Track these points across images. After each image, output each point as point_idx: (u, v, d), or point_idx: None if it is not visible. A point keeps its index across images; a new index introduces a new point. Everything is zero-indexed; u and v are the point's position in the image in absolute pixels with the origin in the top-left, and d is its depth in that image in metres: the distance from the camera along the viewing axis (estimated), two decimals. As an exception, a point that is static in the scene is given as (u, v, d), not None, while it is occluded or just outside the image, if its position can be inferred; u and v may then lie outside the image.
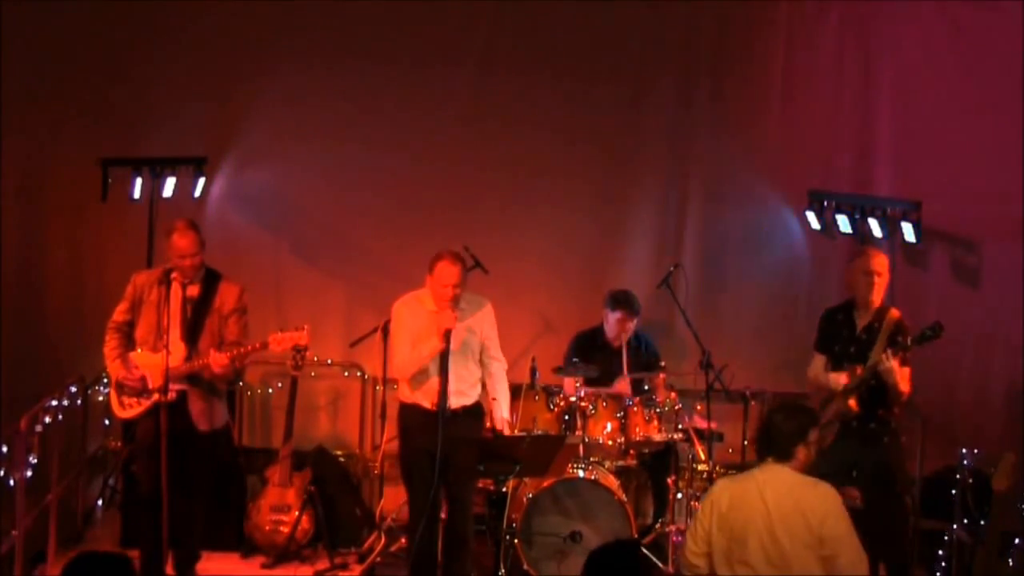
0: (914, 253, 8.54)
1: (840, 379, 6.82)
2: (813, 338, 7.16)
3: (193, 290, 6.65)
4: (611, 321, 8.07)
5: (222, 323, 6.69)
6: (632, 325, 8.07)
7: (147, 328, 6.69)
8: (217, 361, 6.52)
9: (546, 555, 7.16)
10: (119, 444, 8.14)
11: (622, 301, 8.04)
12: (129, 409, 6.74)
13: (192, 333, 6.64)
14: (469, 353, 6.78)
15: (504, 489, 7.22)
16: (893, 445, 6.81)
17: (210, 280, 6.74)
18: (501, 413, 6.80)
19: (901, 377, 6.61)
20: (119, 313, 6.79)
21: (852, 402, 6.71)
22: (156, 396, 6.56)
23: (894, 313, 6.77)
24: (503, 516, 7.28)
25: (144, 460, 6.73)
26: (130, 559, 4.37)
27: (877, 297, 6.79)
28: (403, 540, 7.53)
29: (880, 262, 6.82)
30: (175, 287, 6.61)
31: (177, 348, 6.58)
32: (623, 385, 7.86)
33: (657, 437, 7.62)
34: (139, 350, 6.72)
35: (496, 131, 8.89)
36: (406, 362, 6.70)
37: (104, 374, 7.36)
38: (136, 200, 8.25)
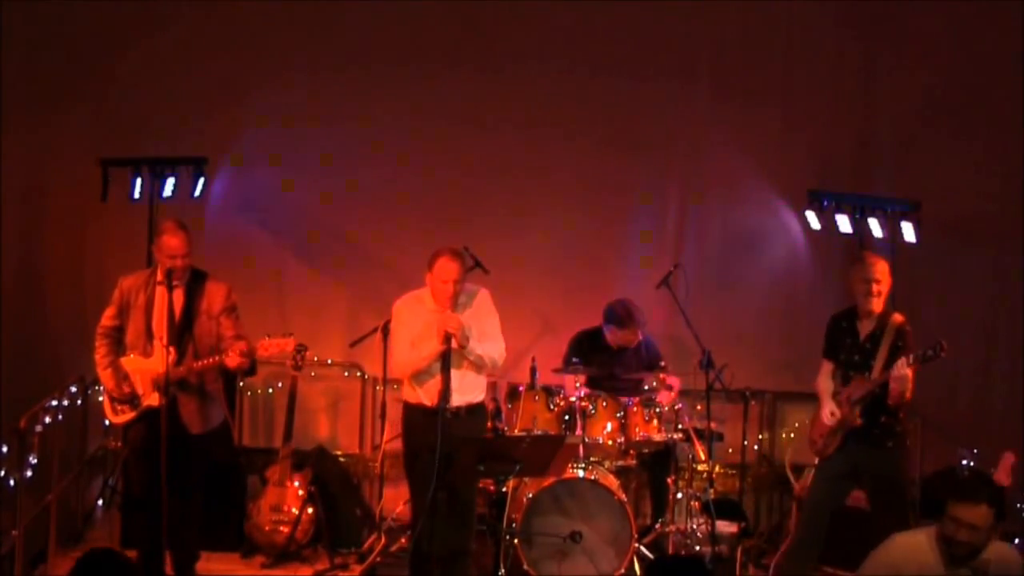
0: (914, 253, 8.53)
1: (828, 418, 6.75)
2: (813, 338, 7.14)
3: (179, 292, 6.63)
4: (608, 335, 8.07)
5: (212, 324, 6.66)
6: (634, 336, 8.03)
7: (136, 332, 6.66)
8: (233, 360, 6.52)
9: (546, 555, 7.16)
10: (119, 444, 8.12)
11: (612, 320, 8.00)
12: (121, 415, 6.73)
13: (181, 337, 6.62)
14: (468, 353, 6.74)
15: (504, 489, 7.22)
16: (898, 450, 6.70)
17: (196, 281, 6.70)
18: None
19: (909, 386, 6.53)
20: (107, 318, 6.75)
21: (857, 412, 6.63)
22: (148, 401, 6.56)
23: (897, 318, 6.70)
24: (503, 516, 7.28)
25: (137, 463, 6.72)
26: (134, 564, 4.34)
27: (877, 304, 6.70)
28: (403, 540, 7.54)
29: (880, 269, 6.72)
30: (161, 290, 6.58)
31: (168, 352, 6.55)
32: (671, 385, 7.82)
33: (657, 437, 7.62)
34: (130, 355, 6.70)
35: (496, 132, 8.89)
36: (405, 362, 6.68)
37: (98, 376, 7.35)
38: (136, 200, 8.24)
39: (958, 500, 4.91)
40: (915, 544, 5.03)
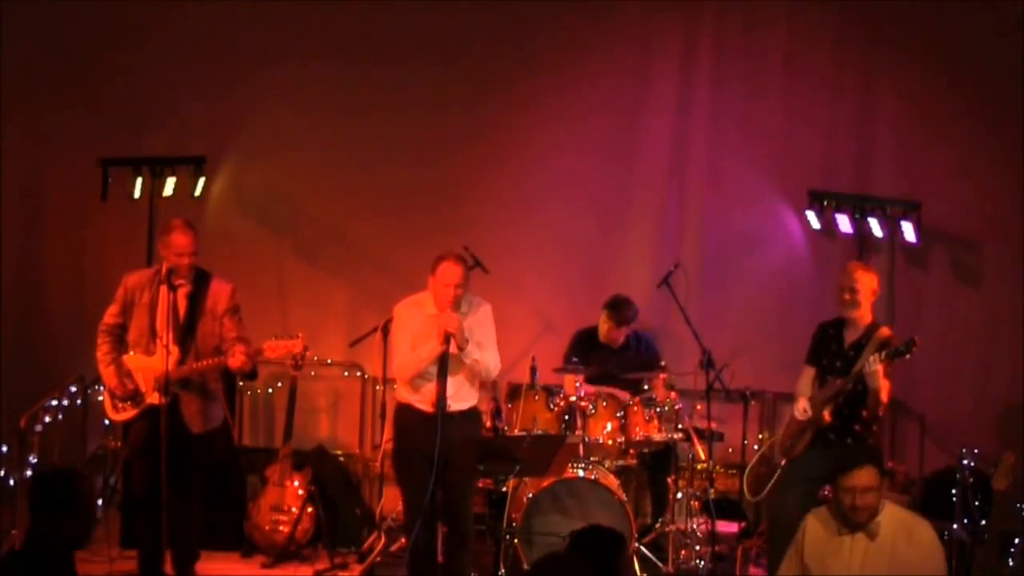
0: (914, 253, 8.54)
1: (800, 413, 6.73)
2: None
3: (184, 292, 6.63)
4: (601, 321, 8.12)
5: (215, 324, 6.66)
6: (618, 333, 8.10)
7: (139, 331, 6.64)
8: (236, 361, 6.52)
9: (546, 555, 7.15)
10: (119, 444, 8.12)
11: (611, 306, 8.10)
12: (123, 412, 6.72)
13: (185, 336, 6.61)
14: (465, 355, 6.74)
15: (504, 489, 7.22)
16: None
17: (200, 280, 6.70)
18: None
19: (883, 386, 6.51)
20: (110, 316, 6.74)
21: (826, 413, 6.63)
22: (150, 399, 6.56)
23: (884, 331, 6.67)
24: (503, 516, 7.28)
25: (137, 462, 6.71)
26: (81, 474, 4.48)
27: (856, 313, 6.68)
28: (403, 540, 7.54)
29: (860, 278, 6.69)
30: (165, 289, 6.58)
31: (171, 351, 6.55)
32: (622, 393, 7.85)
33: (657, 437, 7.62)
34: (132, 353, 6.69)
35: (496, 131, 8.90)
36: (406, 364, 6.68)
37: (99, 373, 7.36)
38: (136, 200, 8.26)
39: (844, 472, 5.28)
40: (811, 523, 5.47)
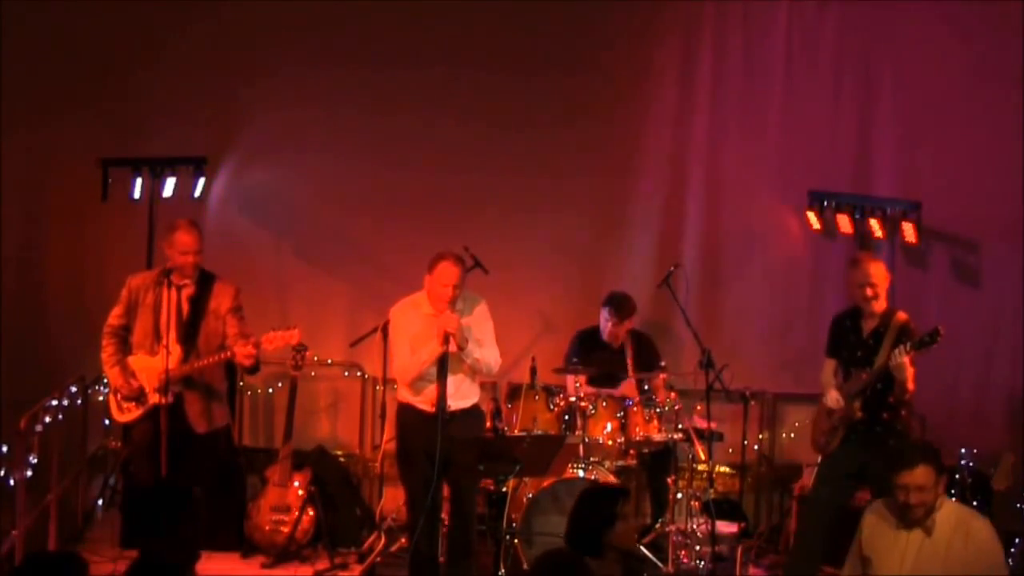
0: (914, 253, 8.54)
1: (833, 402, 6.78)
2: (813, 338, 7.17)
3: (188, 292, 6.64)
4: (602, 320, 8.12)
5: (219, 324, 6.68)
6: (620, 329, 8.09)
7: (143, 331, 6.67)
8: (244, 352, 6.51)
9: (546, 555, 7.15)
10: (119, 444, 8.13)
11: (610, 302, 8.11)
12: (127, 413, 6.74)
13: (188, 335, 6.63)
14: (466, 355, 6.75)
15: (504, 489, 7.22)
16: None
17: (204, 281, 6.72)
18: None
19: (909, 375, 6.56)
20: (114, 317, 6.77)
21: (857, 406, 6.69)
22: (154, 399, 6.56)
23: (900, 316, 6.72)
24: (503, 516, 7.28)
25: (140, 462, 6.72)
26: (80, 558, 4.41)
27: (876, 304, 6.73)
28: (403, 540, 7.54)
29: (875, 271, 6.74)
30: (165, 289, 6.59)
31: (174, 350, 6.57)
32: (629, 388, 7.88)
33: (657, 437, 7.62)
34: (137, 354, 6.70)
35: (496, 132, 8.89)
36: (407, 366, 6.69)
37: (104, 375, 7.37)
38: (136, 200, 8.26)
39: (898, 470, 5.23)
40: (867, 518, 5.48)
